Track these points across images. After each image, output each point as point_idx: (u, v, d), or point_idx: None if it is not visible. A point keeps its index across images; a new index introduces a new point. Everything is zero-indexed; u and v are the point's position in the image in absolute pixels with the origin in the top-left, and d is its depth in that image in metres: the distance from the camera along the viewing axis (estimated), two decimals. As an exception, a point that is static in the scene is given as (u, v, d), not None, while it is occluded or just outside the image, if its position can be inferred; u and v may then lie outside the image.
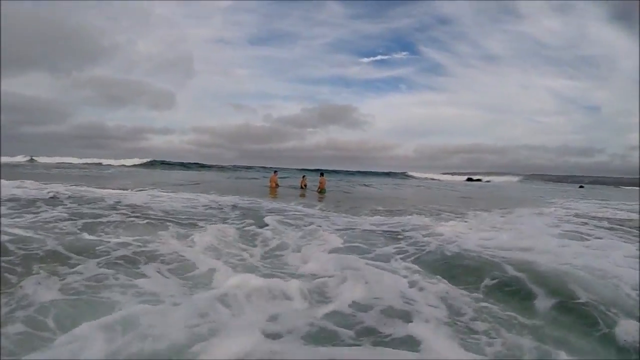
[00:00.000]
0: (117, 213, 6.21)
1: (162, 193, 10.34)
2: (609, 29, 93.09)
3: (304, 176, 18.05)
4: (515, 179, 54.55)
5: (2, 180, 9.74)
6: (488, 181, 50.95)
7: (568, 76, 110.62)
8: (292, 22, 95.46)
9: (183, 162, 40.99)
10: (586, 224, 7.90)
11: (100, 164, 37.97)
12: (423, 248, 4.77)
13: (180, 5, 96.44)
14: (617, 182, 63.45)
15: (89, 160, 39.92)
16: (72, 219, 5.45)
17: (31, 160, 39.22)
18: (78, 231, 4.78)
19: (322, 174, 17.12)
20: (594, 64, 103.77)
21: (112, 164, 39.40)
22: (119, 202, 7.54)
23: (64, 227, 4.91)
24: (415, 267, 3.95)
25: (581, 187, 46.04)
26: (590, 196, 22.04)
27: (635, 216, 9.96)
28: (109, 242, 4.20)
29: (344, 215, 7.97)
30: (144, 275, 3.27)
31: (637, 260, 4.16)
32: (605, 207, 12.76)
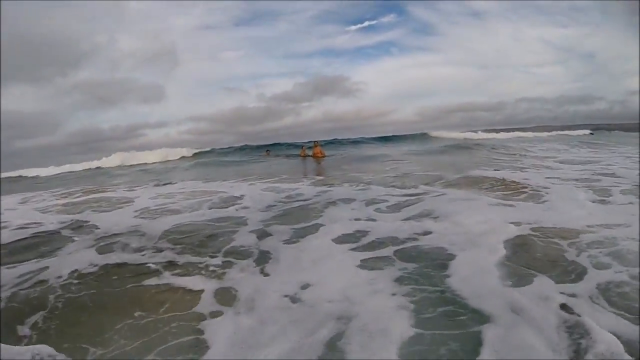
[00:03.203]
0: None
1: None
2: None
3: (302, 147, 17.79)
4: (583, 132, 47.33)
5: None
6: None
7: (561, 25, 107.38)
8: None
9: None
10: None
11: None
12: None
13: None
14: (619, 128, 63.95)
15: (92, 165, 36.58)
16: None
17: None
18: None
19: (315, 143, 16.60)
20: (585, 10, 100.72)
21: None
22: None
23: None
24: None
25: (591, 133, 46.44)
26: None
27: None
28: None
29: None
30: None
31: None
32: None
